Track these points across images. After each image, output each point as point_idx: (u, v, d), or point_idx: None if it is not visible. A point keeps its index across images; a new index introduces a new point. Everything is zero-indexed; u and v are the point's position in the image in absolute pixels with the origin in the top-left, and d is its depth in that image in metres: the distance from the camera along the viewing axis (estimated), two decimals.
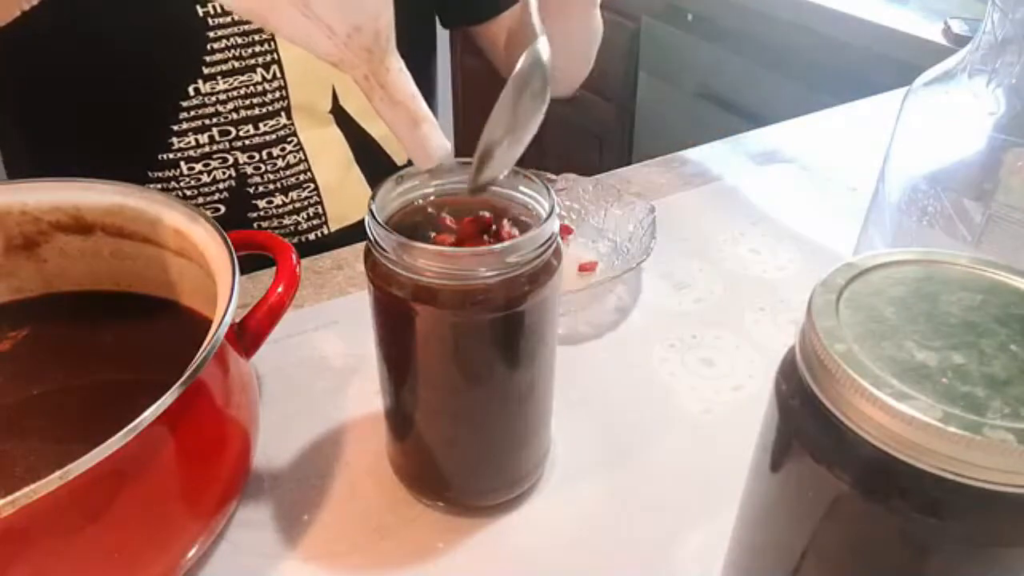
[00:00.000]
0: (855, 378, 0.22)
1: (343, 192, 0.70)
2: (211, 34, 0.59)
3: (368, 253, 0.35)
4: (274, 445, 0.45)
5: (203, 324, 0.36)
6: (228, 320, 0.35)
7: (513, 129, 0.35)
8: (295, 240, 0.69)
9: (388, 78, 0.33)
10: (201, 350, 0.33)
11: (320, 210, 0.69)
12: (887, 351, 0.23)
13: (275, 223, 0.68)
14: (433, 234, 0.36)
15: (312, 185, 0.68)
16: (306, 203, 0.68)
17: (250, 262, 0.48)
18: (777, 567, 0.28)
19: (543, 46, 0.35)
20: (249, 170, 0.65)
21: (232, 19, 0.60)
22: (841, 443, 0.23)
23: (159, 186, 0.63)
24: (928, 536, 0.23)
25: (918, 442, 0.21)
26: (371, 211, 0.33)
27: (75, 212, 0.44)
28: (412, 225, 0.36)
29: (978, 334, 0.24)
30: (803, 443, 0.25)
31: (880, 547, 0.24)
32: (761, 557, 0.30)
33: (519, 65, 0.35)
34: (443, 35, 0.81)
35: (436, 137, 0.34)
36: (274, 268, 0.43)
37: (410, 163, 0.80)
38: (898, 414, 0.21)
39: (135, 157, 0.63)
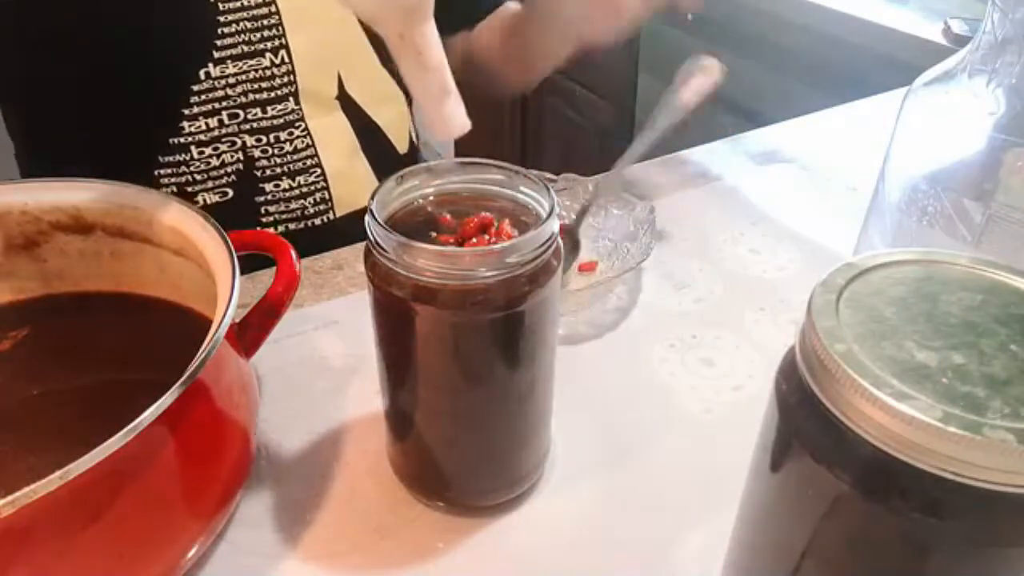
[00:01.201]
0: (855, 378, 0.22)
1: (349, 178, 0.71)
2: (221, 18, 0.61)
3: (368, 253, 0.35)
4: (274, 445, 0.45)
5: (203, 324, 0.36)
6: (228, 320, 0.35)
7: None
8: (302, 225, 0.70)
9: (424, 42, 0.33)
10: (201, 350, 0.33)
11: (327, 195, 0.69)
12: (887, 351, 0.23)
13: (282, 207, 0.68)
14: (435, 234, 0.36)
15: (319, 170, 0.68)
16: (313, 188, 0.69)
17: (250, 262, 0.48)
18: (777, 567, 0.28)
19: None
20: (257, 153, 0.66)
21: (242, 3, 0.61)
22: (841, 443, 0.23)
23: (169, 170, 0.64)
24: (928, 536, 0.23)
25: (918, 442, 0.21)
26: (371, 211, 0.33)
27: (75, 212, 0.44)
28: (412, 225, 0.36)
29: (978, 334, 0.24)
30: (803, 443, 0.25)
31: (880, 547, 0.24)
32: (761, 557, 0.30)
33: None
34: None
35: (459, 113, 0.35)
36: (274, 268, 0.43)
37: (409, 153, 0.80)
38: (898, 414, 0.21)
39: (147, 142, 0.63)
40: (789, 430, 0.26)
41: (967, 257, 0.27)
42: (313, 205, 0.69)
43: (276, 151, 0.66)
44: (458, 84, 0.35)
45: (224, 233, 0.40)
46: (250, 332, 0.41)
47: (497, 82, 0.81)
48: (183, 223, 0.42)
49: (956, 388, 0.22)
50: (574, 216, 0.62)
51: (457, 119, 0.35)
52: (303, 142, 0.67)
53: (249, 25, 0.61)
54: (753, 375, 0.50)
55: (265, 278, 0.56)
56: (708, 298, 0.57)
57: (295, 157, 0.67)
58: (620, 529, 0.41)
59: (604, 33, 0.66)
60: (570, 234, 0.58)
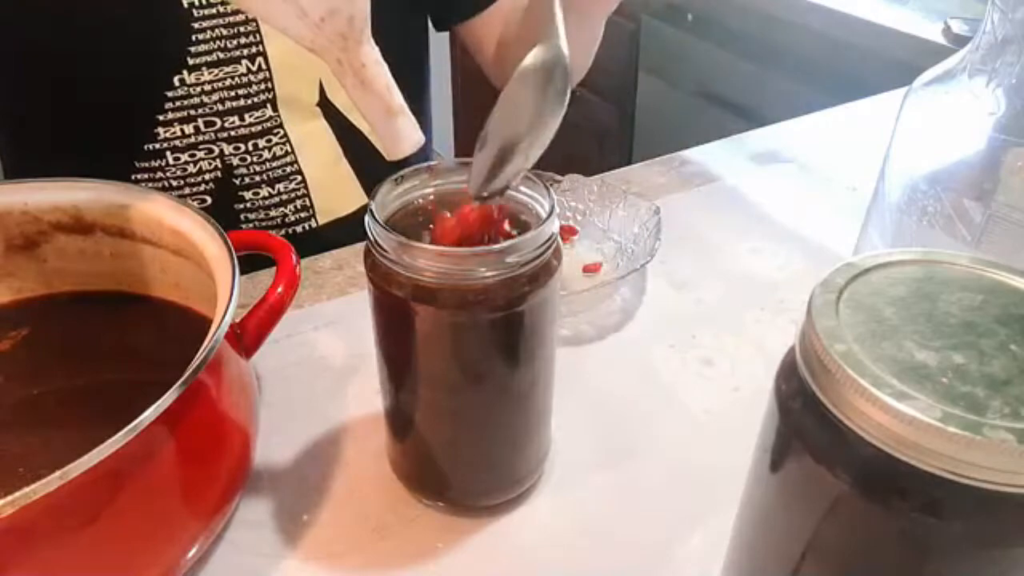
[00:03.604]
0: (855, 378, 0.22)
1: (332, 186, 0.70)
2: (196, 25, 0.60)
3: (368, 253, 0.35)
4: (274, 445, 0.45)
5: (203, 324, 0.36)
6: (228, 320, 0.35)
7: (532, 130, 0.33)
8: (283, 232, 0.69)
9: (363, 66, 0.33)
10: (201, 350, 0.33)
11: (308, 203, 0.69)
12: (887, 351, 0.23)
13: (262, 215, 0.68)
14: (432, 226, 0.36)
15: (299, 177, 0.68)
16: (293, 195, 0.68)
17: (250, 262, 0.48)
18: (777, 567, 0.28)
19: (563, 42, 0.33)
20: (235, 161, 0.65)
21: (217, 11, 0.60)
22: (841, 443, 0.23)
23: (145, 176, 0.64)
24: (928, 536, 0.23)
25: (918, 442, 0.21)
26: (371, 211, 0.33)
27: (75, 212, 0.44)
28: (412, 225, 0.36)
29: (978, 334, 0.24)
30: (803, 443, 0.25)
31: (880, 547, 0.24)
32: (761, 557, 0.30)
33: (537, 59, 0.33)
34: (443, 35, 0.81)
35: (409, 129, 0.35)
36: (274, 268, 0.43)
37: (397, 160, 0.80)
38: (898, 414, 0.21)
39: (122, 147, 0.63)
40: (789, 430, 0.26)
41: (967, 257, 0.27)
42: (294, 212, 0.69)
43: (255, 159, 0.66)
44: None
45: (224, 233, 0.40)
46: (250, 332, 0.41)
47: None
48: (183, 223, 0.42)
49: (956, 388, 0.22)
50: (579, 217, 0.61)
51: (406, 137, 0.35)
52: (282, 149, 0.66)
53: (224, 32, 0.61)
54: (753, 375, 0.50)
55: (265, 278, 0.56)
56: (708, 298, 0.57)
57: (274, 164, 0.67)
58: (620, 529, 0.41)
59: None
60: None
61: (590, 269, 0.58)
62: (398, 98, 0.34)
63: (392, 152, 0.35)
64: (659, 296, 0.57)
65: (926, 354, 0.23)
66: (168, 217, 0.42)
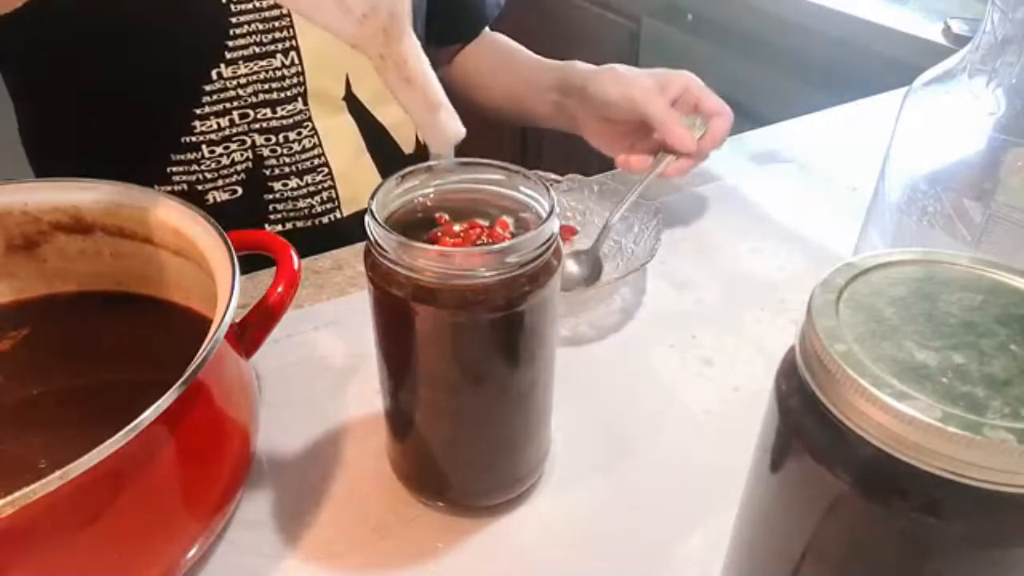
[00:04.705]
0: (855, 378, 0.22)
1: (355, 178, 0.71)
2: (233, 19, 0.61)
3: (368, 253, 0.35)
4: (274, 445, 0.45)
5: (203, 324, 0.36)
6: (228, 320, 0.35)
7: None
8: (309, 223, 0.70)
9: (405, 62, 0.34)
10: (201, 350, 0.33)
11: (333, 194, 0.70)
12: (887, 351, 0.23)
13: (290, 206, 0.69)
14: (437, 233, 0.36)
15: (326, 169, 0.69)
16: (320, 187, 0.69)
17: (250, 262, 0.49)
18: (777, 567, 0.28)
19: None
20: (266, 152, 0.66)
21: (253, 5, 0.61)
22: (841, 443, 0.23)
23: (181, 168, 0.64)
24: (928, 536, 0.23)
25: (918, 442, 0.21)
26: (371, 211, 0.33)
27: (75, 212, 0.44)
28: (412, 225, 0.36)
29: (978, 334, 0.24)
30: (803, 443, 0.25)
31: (880, 547, 0.24)
32: (761, 557, 0.30)
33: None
34: None
35: (452, 122, 0.35)
36: (274, 268, 0.43)
37: (416, 153, 0.81)
38: (898, 414, 0.21)
39: (159, 141, 0.64)
40: (789, 430, 0.26)
41: (967, 257, 0.27)
42: (320, 204, 0.70)
43: (284, 151, 0.67)
44: (452, 94, 0.35)
45: (224, 233, 0.40)
46: (250, 332, 0.41)
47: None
48: (183, 223, 0.42)
49: (956, 388, 0.22)
50: (579, 217, 0.62)
51: (450, 129, 0.35)
52: (311, 142, 0.68)
53: (261, 27, 0.62)
54: (753, 375, 0.50)
55: (265, 278, 0.56)
56: (708, 298, 0.57)
57: (303, 156, 0.68)
58: (620, 529, 0.41)
59: (600, 145, 0.68)
60: (589, 255, 0.57)
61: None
62: (439, 91, 0.35)
63: (438, 146, 0.36)
64: (659, 296, 0.57)
65: (926, 354, 0.23)
66: (168, 217, 0.42)
